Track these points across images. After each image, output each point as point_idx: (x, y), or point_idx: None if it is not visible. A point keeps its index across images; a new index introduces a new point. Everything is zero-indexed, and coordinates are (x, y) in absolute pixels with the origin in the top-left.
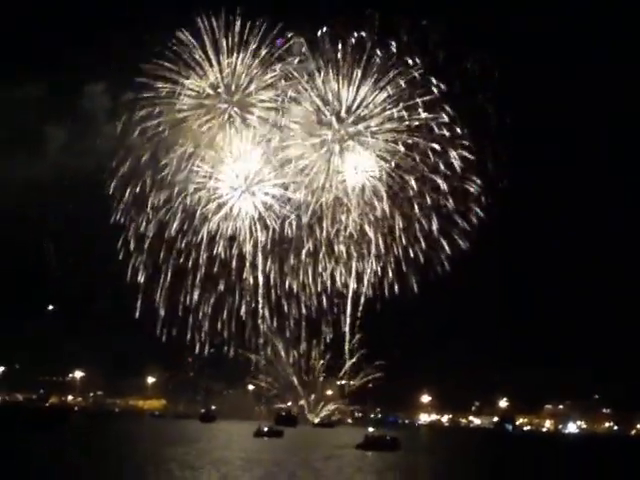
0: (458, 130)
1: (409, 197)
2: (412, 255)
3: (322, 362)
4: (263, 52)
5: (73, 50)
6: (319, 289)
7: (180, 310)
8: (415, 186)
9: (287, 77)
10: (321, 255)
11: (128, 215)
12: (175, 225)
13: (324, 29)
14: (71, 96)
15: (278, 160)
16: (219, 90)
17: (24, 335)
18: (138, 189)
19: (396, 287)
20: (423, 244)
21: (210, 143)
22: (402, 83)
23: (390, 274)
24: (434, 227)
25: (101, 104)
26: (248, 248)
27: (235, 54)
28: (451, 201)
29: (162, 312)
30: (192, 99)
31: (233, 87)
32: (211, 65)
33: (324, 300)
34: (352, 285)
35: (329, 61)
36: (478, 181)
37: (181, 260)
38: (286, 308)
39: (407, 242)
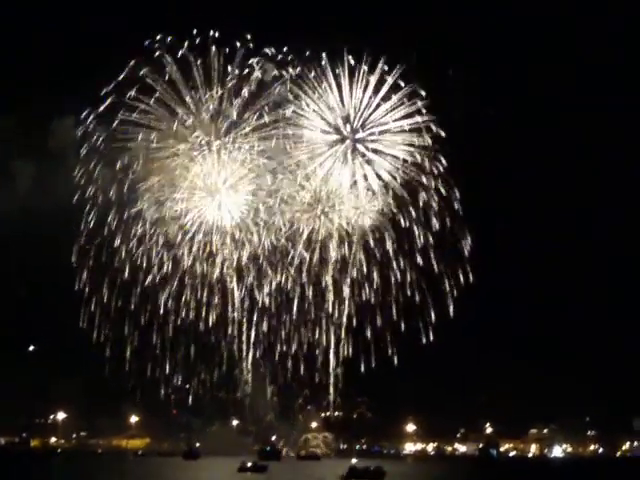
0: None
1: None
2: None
3: (304, 395)
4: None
5: (41, 84)
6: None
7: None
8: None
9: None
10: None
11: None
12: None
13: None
14: (38, 132)
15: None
16: (187, 123)
17: (6, 377)
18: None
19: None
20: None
21: (180, 183)
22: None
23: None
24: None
25: (69, 141)
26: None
27: (207, 88)
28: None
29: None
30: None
31: (204, 121)
32: (181, 98)
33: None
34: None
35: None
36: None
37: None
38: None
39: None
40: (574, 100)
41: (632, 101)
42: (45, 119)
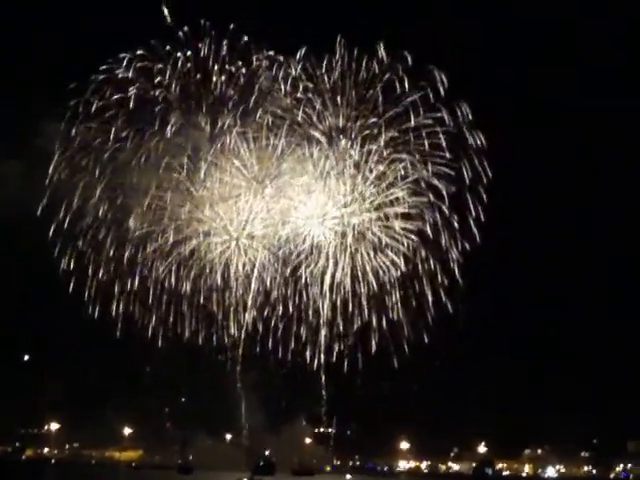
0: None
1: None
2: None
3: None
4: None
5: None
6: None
7: None
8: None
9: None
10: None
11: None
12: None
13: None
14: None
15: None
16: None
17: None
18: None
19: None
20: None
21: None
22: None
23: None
24: None
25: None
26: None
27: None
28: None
29: None
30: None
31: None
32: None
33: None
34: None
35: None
36: None
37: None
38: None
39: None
40: (575, 101)
41: (633, 102)
42: (40, 119)
